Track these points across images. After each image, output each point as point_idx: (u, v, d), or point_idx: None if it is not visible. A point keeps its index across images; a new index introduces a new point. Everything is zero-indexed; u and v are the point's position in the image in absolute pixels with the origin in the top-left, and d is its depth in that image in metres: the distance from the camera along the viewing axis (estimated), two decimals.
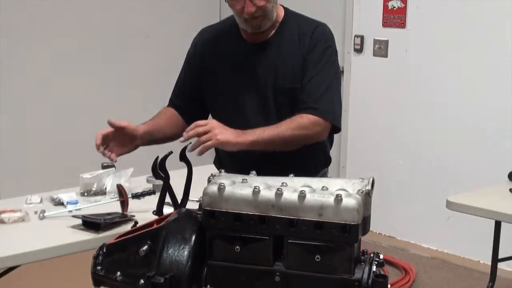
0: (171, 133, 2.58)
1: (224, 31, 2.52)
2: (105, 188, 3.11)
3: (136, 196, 3.07)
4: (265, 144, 2.26)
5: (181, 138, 2.13)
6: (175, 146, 2.26)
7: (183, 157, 2.20)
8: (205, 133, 2.12)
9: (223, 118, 2.50)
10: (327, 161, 2.62)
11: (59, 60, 4.90)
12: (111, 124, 2.34)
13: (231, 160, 2.46)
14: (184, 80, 2.62)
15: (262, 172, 1.95)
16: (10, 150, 4.68)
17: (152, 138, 2.52)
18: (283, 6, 2.46)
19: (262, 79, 2.42)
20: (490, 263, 3.62)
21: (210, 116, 2.68)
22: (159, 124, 2.52)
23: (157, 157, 2.23)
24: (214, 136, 2.12)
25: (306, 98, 2.37)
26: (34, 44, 4.77)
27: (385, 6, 4.87)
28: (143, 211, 2.77)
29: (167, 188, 2.19)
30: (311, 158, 2.50)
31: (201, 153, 2.12)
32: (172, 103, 2.66)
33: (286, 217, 1.73)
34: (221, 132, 2.16)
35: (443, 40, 4.63)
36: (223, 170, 2.03)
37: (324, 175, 2.60)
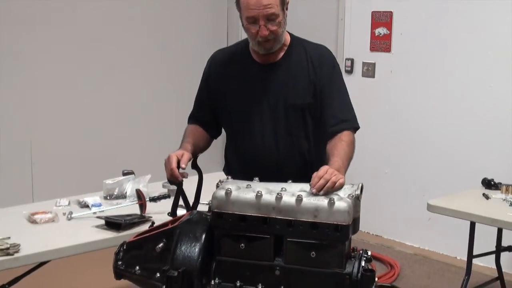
0: (203, 147, 2.52)
1: (236, 53, 2.50)
2: (126, 192, 3.11)
3: (153, 199, 3.07)
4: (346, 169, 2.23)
5: (313, 191, 1.87)
6: None
7: (194, 165, 2.20)
8: (331, 176, 1.93)
9: (237, 132, 2.49)
10: None
11: (86, 81, 4.90)
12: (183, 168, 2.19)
13: (240, 168, 2.45)
14: (203, 97, 2.57)
15: (267, 179, 1.95)
16: (42, 160, 4.68)
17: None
18: (288, 32, 2.47)
19: (274, 96, 2.40)
20: (466, 259, 3.60)
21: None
22: (196, 143, 2.44)
23: None
24: (340, 176, 1.96)
25: (337, 113, 2.37)
26: (64, 66, 4.78)
27: (372, 33, 4.88)
28: (159, 213, 2.77)
29: (180, 193, 2.19)
30: (315, 167, 2.50)
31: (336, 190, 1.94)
32: (195, 119, 2.58)
33: (285, 218, 1.73)
34: (338, 172, 2.01)
35: (424, 63, 4.63)
36: (229, 177, 2.03)
37: None
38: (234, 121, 2.49)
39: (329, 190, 1.87)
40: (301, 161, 2.41)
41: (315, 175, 1.92)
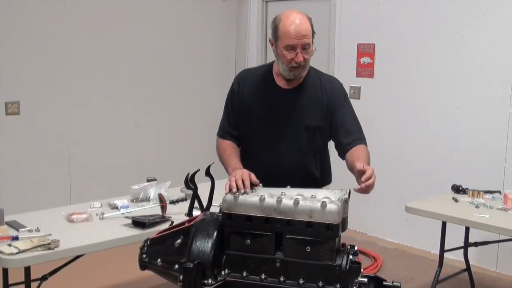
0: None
1: (260, 76, 2.44)
2: (149, 196, 3.11)
3: (172, 202, 3.07)
4: None
5: (362, 186, 2.02)
6: (202, 164, 2.25)
7: (208, 173, 2.19)
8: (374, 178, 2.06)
9: (254, 145, 2.44)
10: (330, 178, 2.60)
11: (116, 103, 4.92)
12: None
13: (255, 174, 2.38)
14: (231, 113, 2.49)
15: (281, 184, 1.91)
16: (78, 169, 4.69)
17: None
18: None
19: (291, 117, 2.36)
20: (438, 253, 3.58)
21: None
22: (239, 160, 2.38)
23: (188, 173, 2.22)
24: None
25: (351, 133, 2.38)
26: (97, 90, 4.80)
27: (358, 61, 4.89)
28: (178, 214, 2.77)
29: (195, 196, 2.18)
30: (319, 180, 2.47)
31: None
32: (228, 134, 2.48)
33: (285, 218, 1.72)
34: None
35: (401, 87, 4.64)
36: None
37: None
38: (253, 135, 2.44)
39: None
40: (306, 174, 2.38)
41: (368, 175, 2.00)
